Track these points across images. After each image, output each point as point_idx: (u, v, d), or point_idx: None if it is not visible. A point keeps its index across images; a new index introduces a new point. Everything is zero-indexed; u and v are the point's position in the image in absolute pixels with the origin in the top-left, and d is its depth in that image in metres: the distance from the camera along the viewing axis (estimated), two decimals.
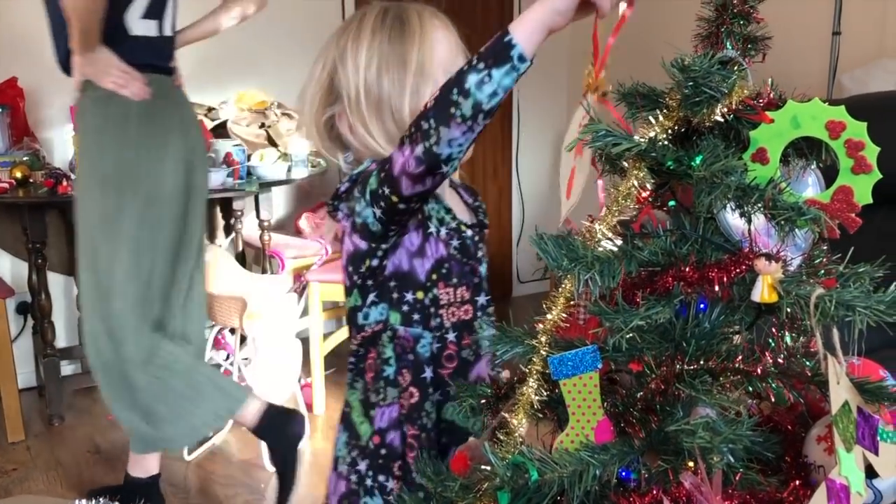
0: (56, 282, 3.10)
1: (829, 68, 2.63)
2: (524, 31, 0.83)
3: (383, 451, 1.06)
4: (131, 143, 1.87)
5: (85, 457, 2.58)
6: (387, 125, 1.06)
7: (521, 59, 0.83)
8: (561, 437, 0.73)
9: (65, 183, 2.67)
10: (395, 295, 1.05)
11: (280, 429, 2.06)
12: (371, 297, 1.07)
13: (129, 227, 1.90)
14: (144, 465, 2.13)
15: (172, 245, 1.98)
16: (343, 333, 3.20)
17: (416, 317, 1.05)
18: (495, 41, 0.84)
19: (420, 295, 1.05)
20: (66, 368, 3.16)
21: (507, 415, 0.75)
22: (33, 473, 2.47)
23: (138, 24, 1.90)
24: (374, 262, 1.05)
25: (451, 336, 1.06)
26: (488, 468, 0.72)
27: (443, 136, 0.87)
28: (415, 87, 1.04)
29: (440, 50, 1.06)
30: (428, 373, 1.05)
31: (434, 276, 1.05)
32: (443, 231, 1.06)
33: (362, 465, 1.07)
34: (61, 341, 3.13)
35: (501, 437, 0.74)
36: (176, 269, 2.01)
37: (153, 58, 1.94)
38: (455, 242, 1.07)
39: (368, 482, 1.07)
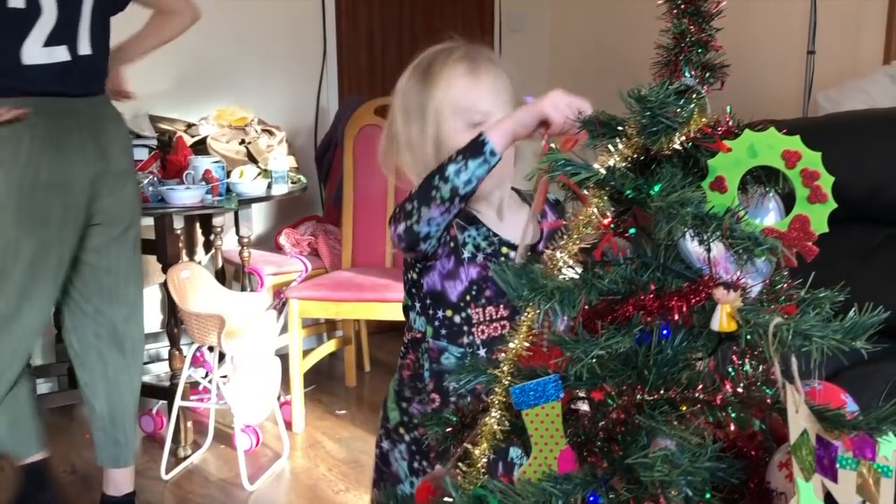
0: None
1: (804, 87, 2.66)
2: (496, 135, 1.04)
3: (407, 440, 1.22)
4: None
5: (61, 477, 2.55)
6: (417, 169, 1.17)
7: (492, 153, 1.03)
8: (524, 467, 0.73)
9: None
10: (430, 311, 1.17)
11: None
12: (417, 306, 1.19)
13: None
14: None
15: None
16: (323, 350, 3.19)
17: (443, 332, 1.17)
18: (473, 141, 1.05)
19: (450, 313, 1.16)
20: (42, 387, 3.12)
21: (469, 445, 0.74)
22: (7, 494, 2.44)
23: (37, 54, 1.89)
24: (414, 276, 1.18)
25: (481, 352, 1.15)
26: (451, 500, 0.71)
27: (423, 215, 1.05)
28: (435, 135, 1.17)
29: (453, 94, 1.17)
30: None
31: (467, 298, 1.15)
32: (479, 256, 1.16)
33: (385, 444, 1.26)
34: (37, 359, 3.10)
35: (463, 469, 0.73)
36: None
37: (53, 84, 1.92)
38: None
39: (393, 463, 1.25)
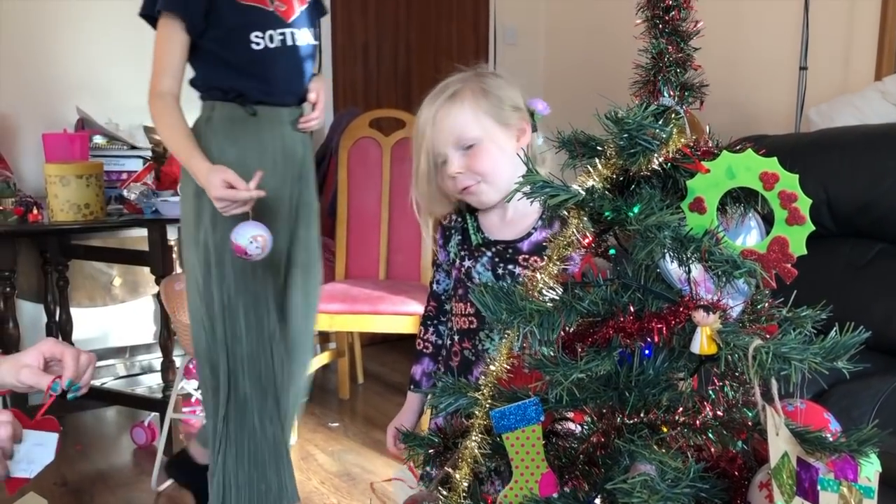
0: (26, 310, 3.06)
1: (796, 103, 2.66)
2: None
3: None
4: None
5: (52, 489, 2.53)
6: (423, 202, 1.35)
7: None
8: (505, 491, 0.72)
9: (35, 211, 2.64)
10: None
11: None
12: None
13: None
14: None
15: None
16: (316, 362, 3.18)
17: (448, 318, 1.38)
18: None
19: (447, 306, 1.37)
20: (35, 397, 3.11)
21: (450, 469, 0.74)
22: None
23: None
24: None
25: (456, 338, 1.33)
26: None
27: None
28: (425, 171, 1.29)
29: (423, 139, 1.29)
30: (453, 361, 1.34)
31: (451, 292, 1.36)
32: (457, 262, 1.34)
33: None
34: None
35: (444, 494, 0.73)
36: None
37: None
38: (467, 265, 1.31)
39: None
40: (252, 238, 1.64)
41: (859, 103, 2.40)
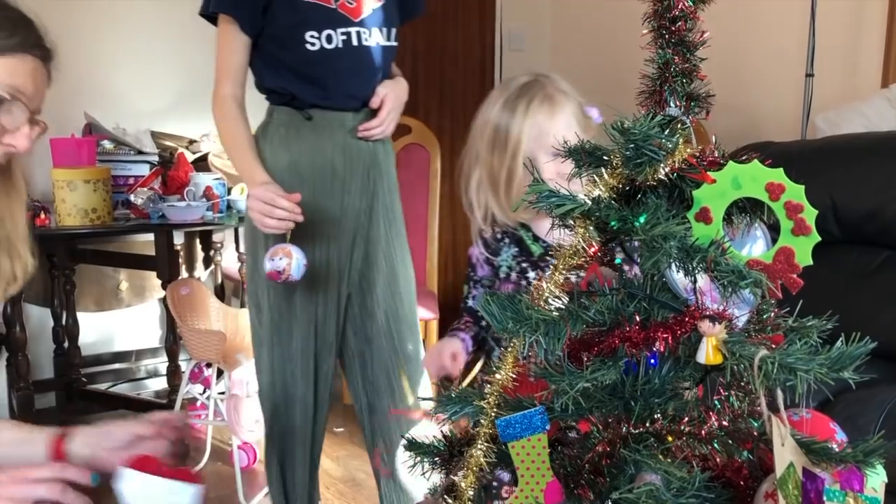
0: (33, 314, 3.07)
1: (802, 110, 2.66)
2: None
3: None
4: None
5: None
6: (492, 199, 1.35)
7: None
8: (510, 499, 0.73)
9: (42, 215, 2.65)
10: None
11: None
12: None
13: None
14: None
15: None
16: None
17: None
18: None
19: (484, 322, 1.31)
20: (41, 402, 3.12)
21: (455, 478, 0.74)
22: None
23: None
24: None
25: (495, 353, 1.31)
26: None
27: None
28: (509, 166, 1.30)
29: (535, 128, 1.30)
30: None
31: None
32: (512, 275, 1.33)
33: None
34: (36, 374, 3.10)
35: (449, 501, 0.73)
36: None
37: None
38: (531, 275, 1.31)
39: None
40: (270, 255, 1.55)
41: (866, 110, 2.40)
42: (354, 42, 1.67)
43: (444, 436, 0.82)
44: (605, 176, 0.72)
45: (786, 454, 0.67)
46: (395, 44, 1.77)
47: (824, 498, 0.68)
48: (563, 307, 0.72)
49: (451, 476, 0.75)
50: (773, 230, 0.76)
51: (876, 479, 0.70)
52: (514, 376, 0.74)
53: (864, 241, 2.18)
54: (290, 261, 1.55)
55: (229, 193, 2.93)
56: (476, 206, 1.34)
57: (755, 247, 0.79)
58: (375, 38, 1.71)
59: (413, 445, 0.83)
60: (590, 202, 0.71)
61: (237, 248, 3.10)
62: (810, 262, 0.68)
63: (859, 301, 2.08)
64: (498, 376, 0.74)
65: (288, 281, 1.57)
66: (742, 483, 0.78)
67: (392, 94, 1.73)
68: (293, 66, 1.67)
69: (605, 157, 0.73)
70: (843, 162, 2.20)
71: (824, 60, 2.66)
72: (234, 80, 1.69)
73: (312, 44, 1.65)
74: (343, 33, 1.66)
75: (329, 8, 1.64)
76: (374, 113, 1.73)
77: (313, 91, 1.68)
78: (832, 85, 2.69)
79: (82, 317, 3.10)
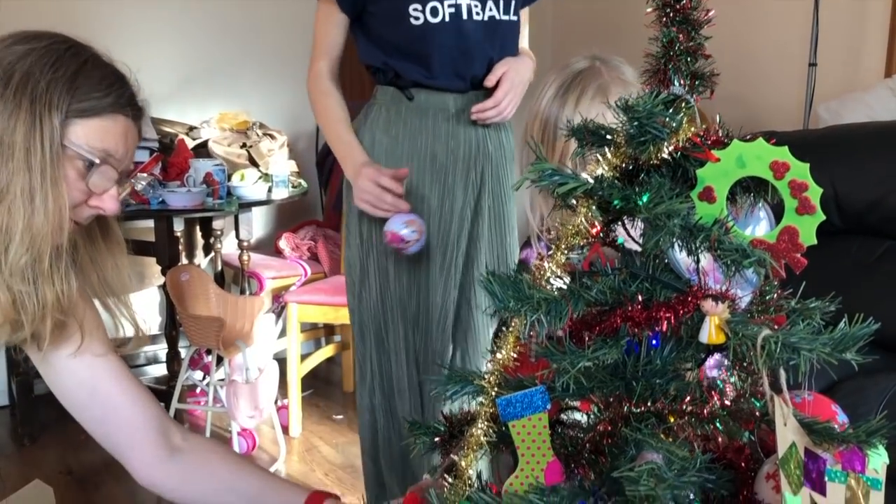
0: None
1: (805, 99, 2.65)
2: None
3: None
4: None
5: (57, 478, 2.54)
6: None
7: None
8: (510, 479, 0.72)
9: None
10: None
11: None
12: None
13: None
14: None
15: None
16: (321, 355, 3.18)
17: None
18: None
19: None
20: (40, 387, 3.12)
21: (455, 457, 0.74)
22: (3, 497, 2.44)
23: None
24: None
25: None
26: None
27: None
28: (557, 158, 1.22)
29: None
30: None
31: None
32: None
33: None
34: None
35: (450, 481, 0.73)
36: None
37: None
38: None
39: None
40: (406, 222, 1.49)
41: (869, 100, 2.39)
42: (464, 16, 1.54)
43: (445, 416, 0.82)
44: (609, 155, 0.71)
45: (788, 434, 0.66)
46: (514, 19, 1.62)
47: (826, 478, 0.68)
48: (564, 287, 0.71)
49: (452, 455, 0.74)
50: (777, 212, 0.76)
51: (878, 460, 0.70)
52: (514, 356, 0.74)
53: (865, 232, 2.18)
54: (419, 238, 1.50)
55: (229, 180, 2.93)
56: (530, 208, 1.24)
57: (758, 228, 0.78)
58: (489, 12, 1.56)
59: (413, 426, 0.83)
60: (592, 181, 0.70)
61: (237, 236, 3.10)
62: (814, 241, 0.67)
63: (860, 291, 2.07)
64: (499, 356, 0.73)
65: (402, 251, 1.52)
66: (743, 464, 0.77)
67: (511, 73, 1.59)
68: (396, 42, 1.57)
69: (608, 137, 0.73)
70: (846, 152, 2.19)
71: (827, 50, 2.65)
72: (329, 56, 1.63)
73: (416, 17, 1.53)
74: (451, 6, 1.52)
75: None
76: (484, 97, 1.61)
77: (416, 69, 1.58)
78: (835, 74, 2.69)
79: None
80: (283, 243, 3.32)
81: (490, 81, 1.58)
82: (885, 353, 1.87)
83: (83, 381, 1.07)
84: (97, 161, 0.95)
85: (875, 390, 1.71)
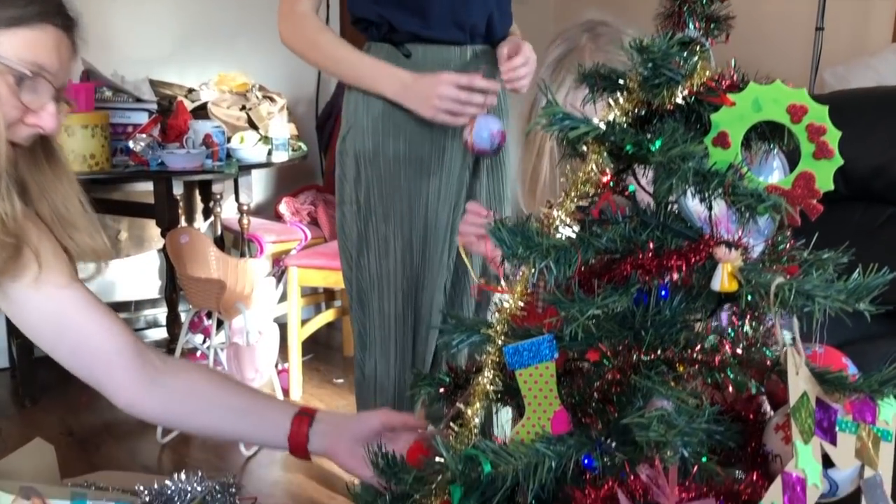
0: None
1: (811, 64, 2.61)
2: None
3: None
4: None
5: (58, 439, 2.55)
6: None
7: None
8: (517, 427, 0.72)
9: None
10: None
11: None
12: None
13: None
14: None
15: None
16: (321, 319, 3.18)
17: None
18: None
19: None
20: (39, 350, 3.12)
21: (462, 405, 0.73)
22: (4, 455, 2.44)
23: None
24: None
25: None
26: (442, 460, 0.70)
27: None
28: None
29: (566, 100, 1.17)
30: None
31: None
32: None
33: None
34: None
35: (455, 429, 0.72)
36: None
37: None
38: None
39: None
40: (491, 134, 1.37)
41: (877, 65, 2.36)
42: None
43: (450, 366, 0.81)
44: (621, 100, 0.70)
45: (800, 383, 0.66)
46: None
47: (836, 429, 0.68)
48: (573, 235, 0.70)
49: (458, 404, 0.74)
50: (792, 159, 0.74)
51: (888, 411, 0.69)
52: (522, 305, 0.73)
53: (870, 198, 2.16)
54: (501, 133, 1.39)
55: (229, 142, 2.90)
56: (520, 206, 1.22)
57: (771, 178, 0.77)
58: None
59: (418, 378, 0.83)
60: (604, 126, 0.69)
61: (237, 199, 3.07)
62: (832, 186, 0.66)
63: (862, 258, 2.05)
64: (506, 304, 0.72)
65: (488, 155, 1.45)
66: (752, 416, 0.77)
67: (526, 48, 1.49)
68: None
69: (620, 82, 0.71)
70: (851, 117, 2.16)
71: (834, 14, 2.61)
72: None
73: None
74: None
75: None
76: (485, 54, 1.52)
77: (411, 19, 1.46)
78: (842, 39, 2.65)
79: (80, 266, 3.08)
80: (283, 208, 3.30)
81: (510, 52, 1.49)
82: (887, 319, 1.87)
83: (48, 314, 1.03)
84: (29, 74, 0.91)
85: (877, 355, 1.71)
